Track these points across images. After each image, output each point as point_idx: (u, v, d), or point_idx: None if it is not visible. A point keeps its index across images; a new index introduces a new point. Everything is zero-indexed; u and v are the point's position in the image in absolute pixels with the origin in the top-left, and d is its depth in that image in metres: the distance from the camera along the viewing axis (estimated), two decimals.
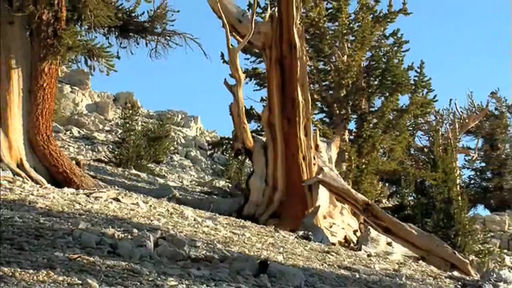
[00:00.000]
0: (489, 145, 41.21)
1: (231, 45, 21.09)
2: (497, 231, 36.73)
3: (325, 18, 28.88)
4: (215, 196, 25.45)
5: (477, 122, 38.79)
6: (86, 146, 31.84)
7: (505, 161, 40.35)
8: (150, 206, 15.43)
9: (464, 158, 40.14)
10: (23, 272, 7.61)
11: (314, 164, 20.66)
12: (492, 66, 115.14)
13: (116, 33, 18.01)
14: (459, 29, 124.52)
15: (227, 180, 29.70)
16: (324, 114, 29.18)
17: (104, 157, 29.47)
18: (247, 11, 22.21)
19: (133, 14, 18.08)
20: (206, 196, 25.43)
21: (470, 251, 25.56)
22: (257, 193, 20.67)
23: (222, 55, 25.34)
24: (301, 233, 17.60)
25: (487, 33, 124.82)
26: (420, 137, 34.33)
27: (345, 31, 28.93)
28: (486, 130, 40.86)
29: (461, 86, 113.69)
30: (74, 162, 18.55)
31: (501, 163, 40.56)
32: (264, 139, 21.23)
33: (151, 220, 13.12)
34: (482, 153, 41.48)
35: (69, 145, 30.55)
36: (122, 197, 15.62)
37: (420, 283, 13.00)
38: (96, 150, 31.34)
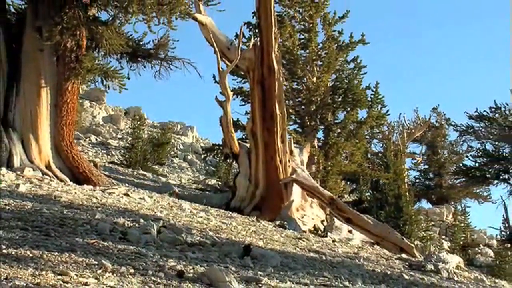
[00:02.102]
0: (431, 151, 41.29)
1: (221, 68, 21.13)
2: (437, 221, 36.80)
3: (298, 47, 28.92)
4: (207, 192, 25.38)
5: (421, 132, 38.87)
6: (102, 151, 31.69)
7: (444, 164, 40.42)
8: (154, 200, 15.39)
9: (411, 161, 40.21)
10: (49, 254, 7.59)
11: (289, 166, 20.68)
12: (434, 85, 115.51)
13: (127, 58, 17.95)
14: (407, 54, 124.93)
15: (218, 179, 29.63)
16: (297, 125, 29.17)
17: (116, 160, 29.36)
18: (234, 40, 22.23)
19: (141, 43, 18.03)
20: (200, 192, 25.35)
21: (416, 237, 25.59)
22: (242, 190, 20.67)
23: (214, 76, 25.32)
24: (278, 222, 17.60)
25: (432, 55, 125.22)
26: (375, 144, 34.41)
27: (314, 57, 29.00)
28: (429, 139, 40.94)
29: (409, 102, 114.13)
30: (92, 164, 18.45)
31: (440, 166, 40.65)
32: (248, 145, 21.22)
33: (155, 212, 13.09)
34: (425, 157, 41.51)
35: (88, 150, 30.42)
36: (131, 193, 15.58)
37: (375, 263, 13.02)
38: (110, 154, 31.20)
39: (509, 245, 28.65)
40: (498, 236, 31.20)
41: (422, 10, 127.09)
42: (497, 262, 28.11)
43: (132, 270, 7.49)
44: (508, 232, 28.70)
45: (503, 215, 28.88)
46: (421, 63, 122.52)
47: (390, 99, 63.39)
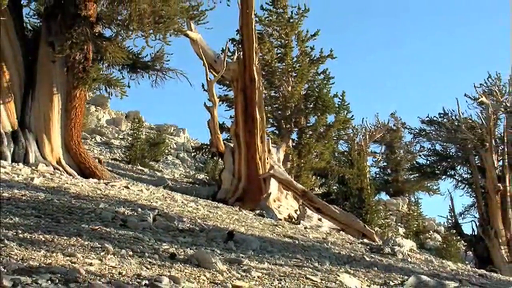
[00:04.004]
0: (389, 151, 41.48)
1: (209, 78, 21.19)
2: (394, 210, 37.07)
3: (275, 60, 28.99)
4: (197, 185, 25.40)
5: (381, 134, 39.02)
6: (106, 149, 31.61)
7: (400, 162, 40.64)
8: (151, 192, 15.35)
9: (372, 160, 40.36)
10: (59, 238, 7.58)
11: (267, 163, 20.72)
12: (392, 93, 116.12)
13: (128, 69, 17.92)
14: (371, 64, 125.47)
15: (206, 174, 29.61)
16: (274, 128, 29.19)
17: (118, 157, 29.30)
18: (221, 54, 22.25)
19: (140, 56, 18.01)
20: (191, 185, 25.36)
21: (376, 225, 25.71)
22: (227, 183, 20.71)
23: (203, 85, 25.24)
24: (258, 211, 17.62)
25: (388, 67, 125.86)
26: (342, 144, 34.44)
27: (289, 69, 29.05)
28: (387, 140, 41.10)
29: (371, 108, 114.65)
30: (97, 160, 18.41)
31: (397, 163, 40.86)
32: (232, 145, 21.25)
33: (151, 202, 13.06)
34: (384, 156, 41.73)
35: (93, 148, 30.32)
36: (131, 186, 15.55)
37: (341, 247, 13.05)
38: (113, 152, 31.13)
39: (454, 231, 28.94)
40: (445, 224, 31.53)
41: (383, 26, 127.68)
42: (444, 245, 28.41)
43: (131, 252, 7.48)
44: (453, 220, 29.02)
45: (449, 206, 29.22)
46: (381, 74, 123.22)
47: (355, 106, 63.66)
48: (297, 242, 12.32)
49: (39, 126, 16.24)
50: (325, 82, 29.68)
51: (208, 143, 25.79)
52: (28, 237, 7.41)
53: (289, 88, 28.64)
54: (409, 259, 12.92)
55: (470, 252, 28.49)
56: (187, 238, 9.49)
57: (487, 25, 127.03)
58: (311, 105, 28.96)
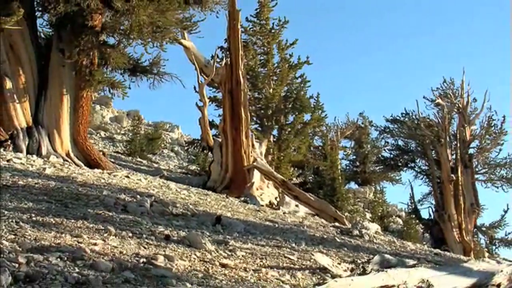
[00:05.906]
0: (358, 145, 41.50)
1: (200, 81, 21.18)
2: (362, 198, 37.18)
3: (258, 65, 28.98)
4: (189, 175, 25.35)
5: (350, 131, 39.11)
6: (109, 143, 31.44)
7: (367, 155, 40.64)
8: (148, 181, 15.34)
9: (343, 153, 40.33)
10: (67, 221, 7.59)
11: (251, 156, 20.73)
12: (360, 95, 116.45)
13: (128, 72, 17.84)
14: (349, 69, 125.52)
15: (197, 165, 29.53)
16: (257, 125, 29.16)
17: (120, 150, 29.17)
18: (211, 60, 22.25)
19: (139, 61, 17.93)
20: (184, 175, 25.31)
21: (346, 210, 25.80)
22: (216, 174, 20.70)
23: (195, 87, 25.11)
24: (242, 199, 17.65)
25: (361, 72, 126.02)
26: (317, 140, 34.40)
27: (271, 74, 29.04)
28: (356, 136, 41.10)
29: (342, 108, 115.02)
30: (101, 153, 18.34)
31: (364, 156, 40.82)
32: (220, 140, 21.24)
33: (149, 190, 13.05)
34: (353, 150, 41.75)
35: (98, 143, 30.16)
36: (131, 175, 15.51)
37: (315, 230, 13.12)
38: (115, 146, 30.97)
39: (413, 216, 29.17)
40: (406, 209, 31.73)
41: (352, 36, 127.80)
42: (405, 228, 28.56)
43: (130, 234, 7.50)
44: (413, 206, 29.26)
45: (410, 194, 29.45)
46: (351, 78, 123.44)
47: (328, 106, 63.60)
48: (277, 225, 12.37)
49: (51, 122, 16.20)
50: (302, 85, 29.68)
51: (199, 138, 25.72)
52: (40, 220, 7.41)
53: (271, 90, 28.62)
54: (375, 240, 13.02)
55: (427, 234, 28.77)
56: (180, 221, 9.52)
57: (444, 35, 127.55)
58: (290, 105, 28.97)
